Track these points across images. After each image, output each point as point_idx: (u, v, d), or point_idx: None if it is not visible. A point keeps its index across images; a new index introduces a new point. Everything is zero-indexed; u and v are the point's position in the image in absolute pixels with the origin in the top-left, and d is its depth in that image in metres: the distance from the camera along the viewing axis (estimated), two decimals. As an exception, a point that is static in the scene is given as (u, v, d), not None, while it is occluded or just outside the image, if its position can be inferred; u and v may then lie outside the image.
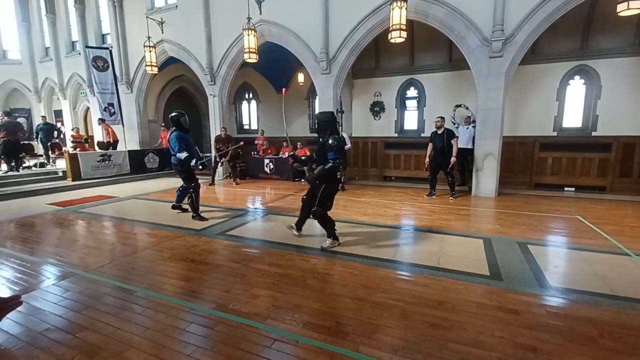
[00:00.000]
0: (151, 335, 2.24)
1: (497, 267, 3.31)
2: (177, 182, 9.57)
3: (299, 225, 4.29)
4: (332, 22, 7.99)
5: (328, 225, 3.87)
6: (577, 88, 8.04)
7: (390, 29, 6.12)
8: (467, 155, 7.60)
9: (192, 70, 10.47)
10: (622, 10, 4.92)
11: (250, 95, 12.89)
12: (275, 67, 10.71)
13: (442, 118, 6.80)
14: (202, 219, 5.23)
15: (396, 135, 9.91)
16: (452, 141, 6.60)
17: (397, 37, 6.11)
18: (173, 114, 5.14)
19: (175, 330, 2.30)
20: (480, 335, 2.19)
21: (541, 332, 2.22)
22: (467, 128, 7.67)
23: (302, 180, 9.22)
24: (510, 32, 6.46)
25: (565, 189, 7.92)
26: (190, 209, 5.38)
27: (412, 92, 9.71)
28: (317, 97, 8.86)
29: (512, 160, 8.31)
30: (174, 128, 5.16)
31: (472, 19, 6.71)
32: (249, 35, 6.86)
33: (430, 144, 6.88)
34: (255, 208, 6.27)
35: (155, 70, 9.54)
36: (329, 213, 3.93)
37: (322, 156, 3.77)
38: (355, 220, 5.16)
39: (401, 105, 9.82)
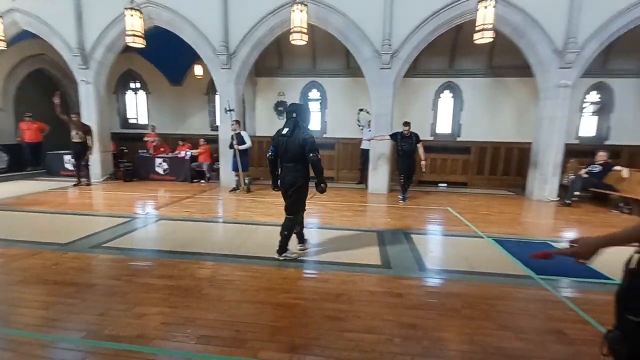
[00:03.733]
0: (-17, 387, 1.71)
1: (387, 256, 3.67)
2: (36, 185, 7.77)
3: (301, 238, 3.79)
4: (232, 15, 7.62)
5: (286, 232, 3.53)
6: (446, 100, 9.66)
7: (291, 30, 6.20)
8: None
9: (56, 50, 8.60)
10: (478, 38, 6.06)
11: (138, 85, 11.36)
12: (168, 56, 9.68)
13: (409, 123, 6.75)
14: None
15: (300, 135, 10.11)
16: (419, 145, 6.64)
17: (298, 39, 6.22)
18: None
19: (22, 373, 1.81)
20: (372, 320, 2.38)
21: (420, 310, 2.54)
22: (370, 130, 8.37)
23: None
24: (396, 47, 7.29)
25: (439, 185, 9.37)
26: None
27: (314, 94, 10.07)
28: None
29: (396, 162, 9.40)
30: None
31: (365, 31, 7.32)
32: (132, 16, 5.98)
33: (395, 143, 6.93)
34: (146, 213, 5.53)
35: (3, 45, 7.50)
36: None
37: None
38: (258, 222, 5.04)
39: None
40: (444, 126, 9.76)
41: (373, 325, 2.31)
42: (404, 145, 6.64)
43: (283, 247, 3.49)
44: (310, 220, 5.34)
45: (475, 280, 3.14)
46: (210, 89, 10.52)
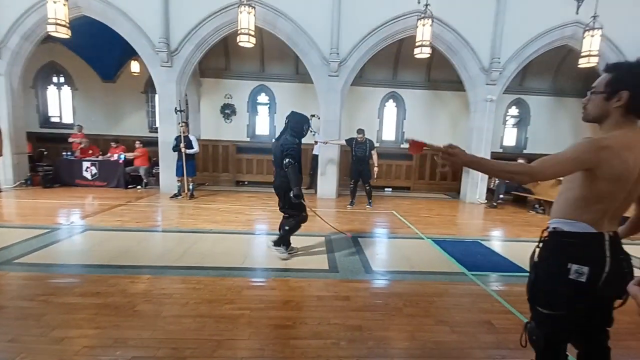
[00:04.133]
0: None
1: (334, 260, 3.71)
2: None
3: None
4: (174, 10, 7.20)
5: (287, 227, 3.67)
6: (391, 109, 10.18)
7: (239, 32, 6.06)
8: None
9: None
10: (417, 53, 6.52)
11: (62, 80, 10.12)
12: (99, 49, 8.79)
13: (363, 130, 6.94)
14: None
15: (248, 139, 9.89)
16: (372, 152, 6.78)
17: (246, 41, 6.10)
18: None
19: None
20: (319, 325, 2.37)
21: (365, 311, 2.60)
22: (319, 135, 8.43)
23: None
24: (344, 56, 7.52)
25: (385, 189, 9.81)
26: None
27: (263, 98, 9.93)
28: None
29: (348, 167, 9.64)
30: None
31: (313, 38, 7.43)
32: (55, 2, 5.34)
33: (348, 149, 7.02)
34: (69, 223, 4.91)
35: None
36: None
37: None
38: (202, 229, 4.77)
39: (253, 110, 9.89)
40: (389, 133, 10.27)
41: (320, 331, 2.30)
42: (358, 152, 6.82)
43: (282, 240, 3.61)
44: (258, 226, 5.23)
45: (416, 279, 3.31)
46: (149, 87, 9.78)
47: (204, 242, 4.17)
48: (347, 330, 2.31)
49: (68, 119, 10.18)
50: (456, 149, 1.21)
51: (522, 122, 10.57)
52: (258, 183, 9.73)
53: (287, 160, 3.34)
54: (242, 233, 4.73)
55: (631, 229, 1.42)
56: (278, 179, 3.57)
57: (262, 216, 5.90)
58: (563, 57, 9.18)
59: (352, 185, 7.04)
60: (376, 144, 9.77)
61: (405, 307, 2.70)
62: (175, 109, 7.05)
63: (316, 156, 8.32)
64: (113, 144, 8.60)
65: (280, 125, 9.80)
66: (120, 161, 8.13)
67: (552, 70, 9.87)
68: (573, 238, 1.26)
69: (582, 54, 6.78)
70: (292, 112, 3.71)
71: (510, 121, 10.61)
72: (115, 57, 9.18)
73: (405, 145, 9.91)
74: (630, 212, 1.43)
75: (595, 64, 6.79)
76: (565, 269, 1.24)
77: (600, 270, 1.21)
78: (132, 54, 8.24)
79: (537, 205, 7.23)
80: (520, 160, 7.84)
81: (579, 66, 6.99)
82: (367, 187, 6.99)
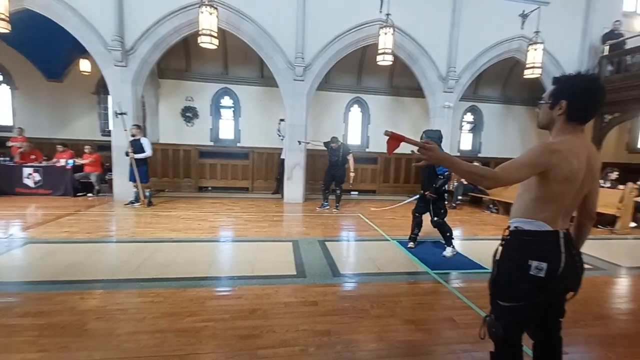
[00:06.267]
0: None
1: (302, 265, 3.67)
2: None
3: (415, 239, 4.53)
4: (128, 6, 6.81)
5: (448, 233, 4.26)
6: (356, 114, 10.40)
7: (200, 32, 5.88)
8: None
9: None
10: (380, 61, 6.73)
11: (0, 78, 9.18)
12: (43, 46, 8.09)
13: (336, 138, 7.04)
14: None
15: (212, 143, 9.59)
16: (348, 157, 6.83)
17: (208, 42, 5.94)
18: None
19: None
20: (287, 333, 2.32)
21: (333, 316, 2.59)
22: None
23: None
24: (309, 61, 7.56)
25: (352, 193, 9.95)
26: None
27: (227, 101, 9.69)
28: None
29: (316, 170, 9.66)
30: None
31: (278, 42, 7.40)
32: (-9, -8, 4.84)
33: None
34: (8, 236, 4.41)
35: None
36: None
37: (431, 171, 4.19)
38: (162, 238, 4.51)
39: (216, 113, 9.61)
40: (354, 138, 10.47)
41: (287, 338, 2.26)
42: (331, 157, 6.99)
43: (450, 241, 4.29)
44: (223, 233, 5.06)
45: (381, 280, 3.37)
46: (101, 87, 9.15)
47: (164, 252, 3.94)
48: (316, 336, 2.29)
49: (7, 120, 9.23)
50: (433, 145, 1.26)
51: (476, 128, 11.27)
52: (222, 188, 9.44)
53: (445, 173, 4.23)
54: (206, 241, 4.55)
55: (578, 234, 1.52)
56: (429, 185, 4.34)
57: (227, 222, 5.72)
58: (511, 68, 9.95)
59: (323, 188, 7.25)
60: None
61: (372, 308, 2.73)
62: (115, 112, 6.45)
63: (283, 161, 8.25)
64: (60, 148, 7.91)
65: (245, 129, 9.67)
66: (68, 167, 7.50)
67: (501, 80, 10.65)
68: (533, 236, 1.35)
69: (527, 66, 7.40)
70: (428, 130, 4.28)
71: (466, 127, 11.28)
72: (62, 54, 8.50)
73: (370, 149, 10.22)
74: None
75: (539, 75, 7.44)
76: (526, 265, 1.33)
77: (557, 266, 1.31)
78: (81, 51, 7.66)
79: (491, 205, 7.72)
80: (476, 164, 8.39)
81: (525, 77, 7.61)
82: (338, 191, 7.12)
